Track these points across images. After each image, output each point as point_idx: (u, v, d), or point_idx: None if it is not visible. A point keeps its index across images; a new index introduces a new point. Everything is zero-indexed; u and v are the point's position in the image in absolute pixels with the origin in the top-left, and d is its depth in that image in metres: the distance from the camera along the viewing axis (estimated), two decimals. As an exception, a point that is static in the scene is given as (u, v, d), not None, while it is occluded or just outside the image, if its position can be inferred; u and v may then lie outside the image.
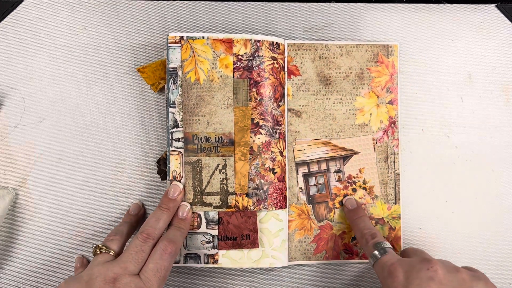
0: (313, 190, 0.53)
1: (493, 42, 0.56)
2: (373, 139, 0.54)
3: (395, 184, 0.54)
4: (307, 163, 0.53)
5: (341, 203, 0.53)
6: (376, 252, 0.45)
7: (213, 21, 0.55)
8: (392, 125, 0.54)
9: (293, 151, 0.53)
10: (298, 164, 0.53)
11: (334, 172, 0.53)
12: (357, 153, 0.54)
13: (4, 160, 0.53)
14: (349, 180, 0.53)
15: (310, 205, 0.53)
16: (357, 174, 0.53)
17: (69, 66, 0.54)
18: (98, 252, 0.45)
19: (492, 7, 0.56)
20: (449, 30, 0.56)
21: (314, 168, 0.53)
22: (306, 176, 0.53)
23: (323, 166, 0.53)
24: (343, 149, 0.54)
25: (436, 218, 0.54)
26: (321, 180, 0.53)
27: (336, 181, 0.53)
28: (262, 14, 0.55)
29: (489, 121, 0.55)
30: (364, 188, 0.53)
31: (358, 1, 0.56)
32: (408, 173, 0.54)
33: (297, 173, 0.53)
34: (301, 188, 0.53)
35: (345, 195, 0.53)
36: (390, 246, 0.46)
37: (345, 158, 0.54)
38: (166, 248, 0.44)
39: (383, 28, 0.55)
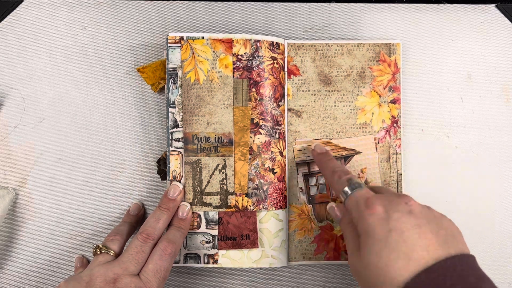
0: (313, 190, 0.53)
1: (493, 42, 0.56)
2: (375, 139, 0.53)
3: (397, 185, 0.53)
4: (307, 163, 0.53)
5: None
6: (347, 188, 0.44)
7: (213, 21, 0.55)
8: (395, 125, 0.54)
9: (293, 151, 0.53)
10: (298, 164, 0.53)
11: None
12: (359, 153, 0.53)
13: (4, 160, 0.53)
14: None
15: (311, 205, 0.53)
16: (359, 175, 0.53)
17: (69, 66, 0.54)
18: (98, 252, 0.45)
19: (492, 7, 0.56)
20: (449, 30, 0.56)
21: (315, 168, 0.53)
22: (306, 176, 0.53)
23: None
24: (345, 149, 0.54)
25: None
26: (321, 180, 0.53)
27: None
28: (262, 14, 0.55)
29: (489, 121, 0.55)
30: None
31: (358, 1, 0.56)
32: (407, 173, 0.54)
33: (297, 173, 0.53)
34: (301, 188, 0.53)
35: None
36: (362, 182, 0.45)
37: (346, 158, 0.54)
38: (166, 249, 0.44)
39: (383, 28, 0.55)
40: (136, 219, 0.52)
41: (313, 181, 0.53)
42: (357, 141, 0.53)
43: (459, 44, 0.56)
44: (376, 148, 0.54)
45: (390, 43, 0.54)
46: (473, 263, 0.37)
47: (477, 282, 0.35)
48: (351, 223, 0.44)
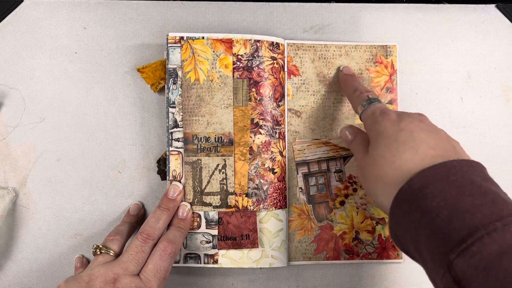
0: (313, 190, 0.53)
1: (493, 42, 0.56)
2: None
3: None
4: (307, 163, 0.53)
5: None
6: (365, 102, 0.46)
7: (213, 21, 0.55)
8: None
9: (293, 151, 0.53)
10: (298, 164, 0.53)
11: (334, 172, 0.53)
12: None
13: (4, 160, 0.53)
14: (350, 180, 0.53)
15: (310, 205, 0.53)
16: (356, 174, 0.53)
17: (69, 66, 0.54)
18: (98, 252, 0.45)
19: (492, 7, 0.56)
20: (449, 30, 0.56)
21: (314, 168, 0.53)
22: (306, 176, 0.53)
23: (324, 166, 0.53)
24: (344, 149, 0.54)
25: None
26: (321, 180, 0.53)
27: (337, 181, 0.53)
28: (262, 14, 0.55)
29: (489, 121, 0.55)
30: None
31: (358, 1, 0.56)
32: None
33: (297, 173, 0.53)
34: (301, 188, 0.53)
35: (346, 195, 0.53)
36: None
37: (345, 158, 0.54)
38: (166, 249, 0.44)
39: (383, 28, 0.55)
40: (136, 219, 0.52)
41: (312, 181, 0.53)
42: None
43: (459, 44, 0.56)
44: None
45: (386, 45, 0.54)
46: (482, 168, 0.38)
47: (483, 182, 0.35)
48: (362, 143, 0.45)
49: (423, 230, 0.34)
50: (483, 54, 0.56)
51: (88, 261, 0.53)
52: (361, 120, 0.46)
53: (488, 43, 0.56)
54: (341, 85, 0.53)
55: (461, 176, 0.35)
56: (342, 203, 0.53)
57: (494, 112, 0.55)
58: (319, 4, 0.55)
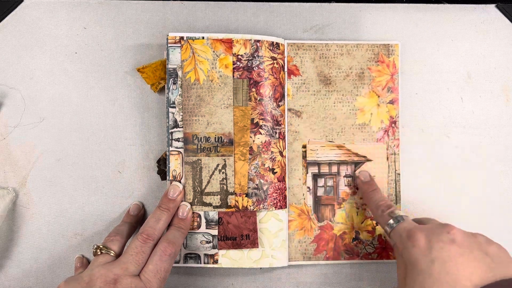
0: (320, 191, 0.53)
1: (493, 42, 0.56)
2: (387, 148, 0.53)
3: (395, 184, 0.54)
4: (318, 164, 0.53)
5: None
6: (391, 221, 0.46)
7: (213, 21, 0.55)
8: (393, 125, 0.54)
9: (306, 150, 0.53)
10: (309, 164, 0.53)
11: (344, 176, 0.53)
12: (370, 160, 0.53)
13: (4, 160, 0.53)
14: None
15: (310, 205, 0.53)
16: None
17: (69, 66, 0.54)
18: (99, 252, 0.45)
19: (492, 7, 0.56)
20: (449, 30, 0.56)
21: (325, 169, 0.53)
22: (316, 177, 0.53)
23: (334, 169, 0.53)
24: (356, 154, 0.53)
25: (436, 218, 0.54)
26: (330, 183, 0.53)
27: (345, 185, 0.53)
28: (262, 14, 0.55)
29: (489, 121, 0.55)
30: None
31: (358, 1, 0.56)
32: (407, 173, 0.54)
33: (307, 172, 0.53)
34: (308, 187, 0.53)
35: (350, 199, 0.53)
36: (406, 214, 0.47)
37: (357, 164, 0.54)
38: (166, 250, 0.44)
39: (383, 28, 0.55)
40: (136, 220, 0.52)
41: (321, 182, 0.53)
42: (369, 149, 0.53)
43: (459, 44, 0.56)
44: (387, 157, 0.53)
45: (388, 44, 0.54)
46: None
47: None
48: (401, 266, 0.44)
49: None
50: (483, 54, 0.56)
51: (88, 261, 0.53)
52: (391, 239, 0.46)
53: (488, 43, 0.56)
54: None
55: None
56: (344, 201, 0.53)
57: (494, 112, 0.55)
58: (319, 4, 0.55)
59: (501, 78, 0.56)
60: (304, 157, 0.53)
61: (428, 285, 0.38)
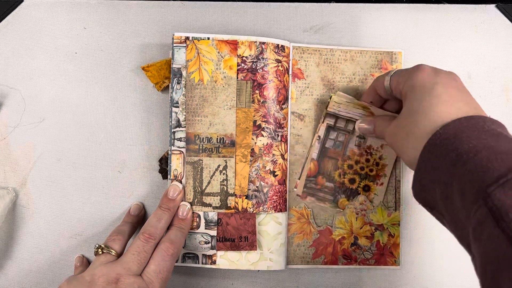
0: (329, 144, 0.53)
1: (493, 42, 0.56)
2: None
3: (395, 191, 0.53)
4: (336, 117, 0.52)
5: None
6: (392, 71, 0.47)
7: (213, 22, 0.55)
8: None
9: (330, 101, 0.52)
10: (328, 114, 0.52)
11: (357, 136, 0.53)
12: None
13: (4, 160, 0.53)
14: (368, 150, 0.53)
15: (310, 209, 0.53)
16: (377, 148, 0.53)
17: (69, 66, 0.54)
18: (100, 252, 0.45)
19: (492, 7, 0.56)
20: (449, 30, 0.56)
21: (341, 124, 0.52)
22: (329, 129, 0.53)
23: (350, 126, 0.52)
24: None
25: (435, 224, 0.54)
26: (341, 138, 0.53)
27: (355, 145, 0.53)
28: (262, 14, 0.55)
29: (489, 121, 0.55)
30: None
31: (358, 1, 0.56)
32: (407, 178, 0.54)
33: (323, 121, 0.53)
34: (319, 136, 0.53)
35: (356, 162, 0.53)
36: None
37: None
38: (168, 250, 0.44)
39: (383, 28, 0.55)
40: (137, 220, 0.52)
41: (333, 135, 0.53)
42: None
43: (459, 44, 0.56)
44: None
45: (392, 52, 0.54)
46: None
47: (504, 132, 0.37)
48: (385, 119, 0.47)
49: (458, 170, 0.35)
50: (483, 54, 0.56)
51: (88, 261, 0.53)
52: (389, 87, 0.46)
53: (488, 43, 0.56)
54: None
55: (495, 128, 0.36)
56: (350, 166, 0.53)
57: (494, 112, 0.55)
58: (319, 4, 0.55)
59: (501, 78, 0.56)
60: (327, 107, 0.52)
61: (427, 100, 0.40)
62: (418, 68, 0.43)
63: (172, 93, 0.50)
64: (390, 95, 0.47)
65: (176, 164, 0.50)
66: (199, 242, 0.50)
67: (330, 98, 0.52)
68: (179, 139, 0.50)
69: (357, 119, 0.52)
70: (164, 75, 0.52)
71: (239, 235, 0.50)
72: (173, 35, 0.50)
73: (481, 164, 0.33)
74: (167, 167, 0.52)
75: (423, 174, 0.39)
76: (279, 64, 0.51)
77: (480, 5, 0.56)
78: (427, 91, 0.40)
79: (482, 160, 0.33)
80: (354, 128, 0.53)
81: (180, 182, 0.50)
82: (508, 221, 0.29)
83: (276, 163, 0.51)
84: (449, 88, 0.40)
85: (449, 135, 0.36)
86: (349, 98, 0.52)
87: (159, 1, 0.55)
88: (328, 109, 0.52)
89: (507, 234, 0.29)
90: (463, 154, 0.35)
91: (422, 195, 0.40)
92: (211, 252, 0.50)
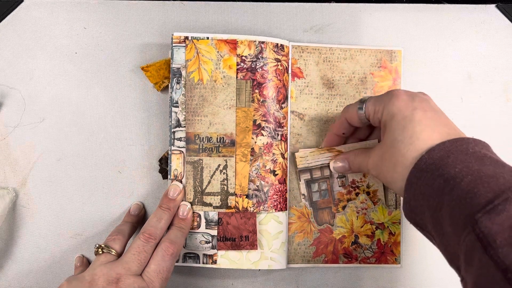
0: (316, 196, 0.53)
1: (493, 42, 0.56)
2: None
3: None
4: (309, 170, 0.53)
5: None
6: (361, 101, 0.46)
7: (213, 22, 0.55)
8: None
9: (295, 159, 0.53)
10: (301, 171, 0.53)
11: (337, 178, 0.53)
12: None
13: (4, 160, 0.53)
14: (353, 185, 0.53)
15: (311, 208, 0.53)
16: (360, 179, 0.53)
17: (69, 66, 0.54)
18: (100, 252, 0.45)
19: (492, 7, 0.56)
20: (449, 30, 0.56)
21: (317, 174, 0.53)
22: (309, 183, 0.53)
23: (326, 172, 0.53)
24: None
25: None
26: (324, 186, 0.53)
27: (339, 186, 0.53)
28: (262, 14, 0.55)
29: (489, 121, 0.55)
30: (368, 193, 0.53)
31: (358, 1, 0.56)
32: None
33: (299, 180, 0.53)
34: (303, 194, 0.53)
35: (348, 200, 0.53)
36: None
37: None
38: (168, 249, 0.44)
39: (383, 28, 0.55)
40: (137, 219, 0.52)
41: (315, 187, 0.53)
42: (360, 148, 0.53)
43: (459, 44, 0.56)
44: None
45: (391, 50, 0.54)
46: (490, 147, 0.40)
47: (497, 157, 0.38)
48: (361, 152, 0.47)
49: (446, 196, 0.35)
50: (483, 54, 0.56)
51: (88, 261, 0.53)
52: (365, 117, 0.46)
53: (488, 43, 0.56)
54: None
55: (479, 150, 0.37)
56: (344, 207, 0.53)
57: (494, 112, 0.55)
58: (319, 4, 0.55)
59: (501, 78, 0.56)
60: (296, 166, 0.53)
61: (410, 128, 0.40)
62: (393, 94, 0.43)
63: (171, 93, 0.50)
64: (365, 124, 0.47)
65: (176, 164, 0.50)
66: (199, 242, 0.50)
67: (294, 157, 0.53)
68: (179, 139, 0.50)
69: (328, 164, 0.52)
70: (163, 75, 0.52)
71: (239, 234, 0.50)
72: (172, 35, 0.50)
73: (468, 189, 0.33)
74: (167, 167, 0.52)
75: (411, 198, 0.39)
76: (279, 63, 0.51)
77: (480, 5, 0.56)
78: (407, 118, 0.40)
79: (469, 184, 0.34)
80: (331, 172, 0.53)
81: (180, 182, 0.50)
82: (495, 248, 0.30)
83: (276, 162, 0.51)
84: (427, 112, 0.40)
85: (435, 159, 0.37)
86: (312, 149, 0.53)
87: (159, 1, 0.55)
88: (298, 167, 0.53)
89: (495, 260, 0.29)
90: (450, 179, 0.35)
91: (412, 216, 0.40)
92: (211, 251, 0.50)
